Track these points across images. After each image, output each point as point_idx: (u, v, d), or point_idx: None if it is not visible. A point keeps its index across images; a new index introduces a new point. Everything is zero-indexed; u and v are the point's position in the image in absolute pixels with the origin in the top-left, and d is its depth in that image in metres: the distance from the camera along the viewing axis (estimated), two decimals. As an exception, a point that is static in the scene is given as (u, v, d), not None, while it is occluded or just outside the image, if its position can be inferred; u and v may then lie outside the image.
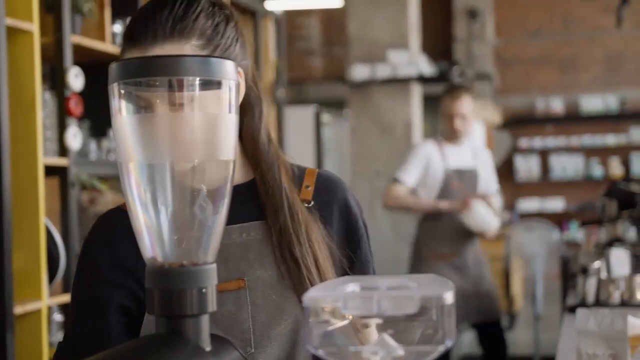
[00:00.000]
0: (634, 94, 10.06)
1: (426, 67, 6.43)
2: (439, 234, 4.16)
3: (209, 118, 0.83)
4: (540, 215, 9.40)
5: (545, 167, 10.33)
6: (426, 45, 8.06)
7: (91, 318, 1.22)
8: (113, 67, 0.81)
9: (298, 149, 7.18)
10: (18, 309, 2.62)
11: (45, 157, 2.81)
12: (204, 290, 0.80)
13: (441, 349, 0.74)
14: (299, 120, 7.51)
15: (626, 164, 10.10)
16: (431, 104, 8.10)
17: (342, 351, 0.76)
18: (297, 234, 1.22)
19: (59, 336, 2.94)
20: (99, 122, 3.27)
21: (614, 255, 2.91)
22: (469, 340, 5.79)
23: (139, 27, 1.16)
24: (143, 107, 0.83)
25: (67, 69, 2.93)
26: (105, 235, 1.25)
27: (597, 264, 2.77)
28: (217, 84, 0.81)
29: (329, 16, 10.54)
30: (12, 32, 2.67)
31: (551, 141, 10.23)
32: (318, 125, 7.77)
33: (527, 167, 10.30)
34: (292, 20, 10.17)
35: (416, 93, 6.53)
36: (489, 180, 4.33)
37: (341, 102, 8.33)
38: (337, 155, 8.22)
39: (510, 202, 10.09)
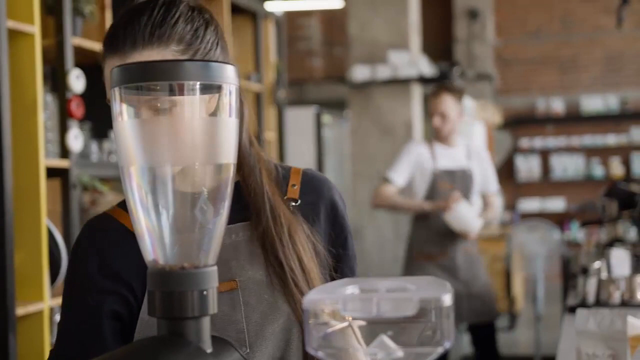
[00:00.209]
0: (634, 94, 10.06)
1: (426, 67, 6.43)
2: (427, 235, 4.16)
3: (209, 122, 0.84)
4: (541, 215, 9.40)
5: (546, 167, 10.34)
6: (426, 45, 8.07)
7: (84, 325, 1.22)
8: (114, 72, 0.81)
9: (298, 150, 7.19)
10: (20, 310, 2.62)
11: (46, 159, 2.81)
12: (204, 292, 0.81)
13: (440, 350, 0.75)
14: (300, 121, 7.52)
15: (627, 164, 10.10)
16: (432, 104, 8.10)
17: (341, 353, 0.77)
18: (280, 236, 1.23)
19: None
20: (100, 123, 3.28)
21: (614, 255, 2.91)
22: (468, 341, 5.80)
23: (119, 33, 1.17)
24: (144, 111, 0.83)
25: (68, 70, 2.93)
26: (94, 242, 1.25)
27: (597, 264, 2.77)
28: (218, 88, 0.82)
29: (329, 17, 10.55)
30: (13, 34, 2.68)
31: (552, 141, 10.24)
32: (318, 125, 7.78)
33: (527, 167, 10.30)
34: (292, 21, 10.18)
35: (416, 94, 6.54)
36: (486, 181, 4.32)
37: (341, 102, 8.33)
38: (337, 156, 8.22)
39: (511, 202, 10.09)
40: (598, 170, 10.11)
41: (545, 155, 10.31)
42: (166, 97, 0.84)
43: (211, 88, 0.82)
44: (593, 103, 10.11)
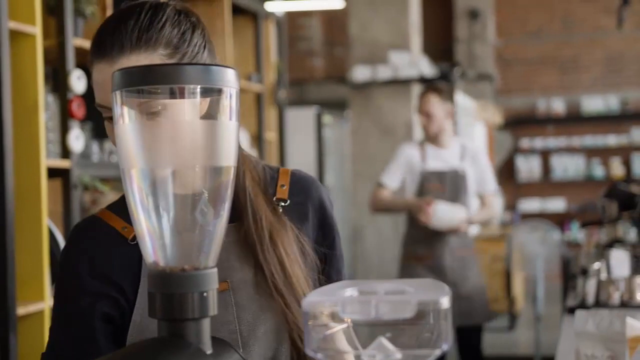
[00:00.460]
0: (635, 94, 10.07)
1: (427, 68, 6.43)
2: (418, 235, 4.16)
3: (210, 125, 0.84)
4: (541, 216, 9.40)
5: (546, 168, 10.35)
6: (427, 46, 8.08)
7: (76, 328, 1.21)
8: (115, 75, 0.82)
9: (299, 150, 7.20)
10: (21, 310, 2.63)
11: (47, 159, 2.82)
12: (205, 294, 0.81)
13: (438, 352, 0.75)
14: (300, 121, 7.52)
15: (627, 164, 10.10)
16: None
17: (340, 355, 0.77)
18: (261, 239, 1.23)
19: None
20: (101, 124, 3.27)
21: (614, 256, 2.91)
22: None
23: (106, 38, 1.17)
24: (145, 115, 0.84)
25: (69, 71, 2.94)
26: (84, 245, 1.25)
27: (597, 264, 2.77)
28: (218, 92, 0.83)
29: (330, 17, 10.55)
30: (14, 35, 2.68)
31: (552, 142, 10.25)
32: (319, 126, 7.78)
33: (528, 167, 10.31)
34: (293, 21, 10.19)
35: (417, 94, 6.52)
36: (483, 181, 4.29)
37: (342, 103, 8.34)
38: (338, 156, 8.23)
39: (511, 203, 10.10)
40: (598, 171, 10.12)
41: (545, 155, 10.32)
42: (167, 101, 0.84)
43: (211, 91, 0.83)
44: (593, 103, 10.12)
